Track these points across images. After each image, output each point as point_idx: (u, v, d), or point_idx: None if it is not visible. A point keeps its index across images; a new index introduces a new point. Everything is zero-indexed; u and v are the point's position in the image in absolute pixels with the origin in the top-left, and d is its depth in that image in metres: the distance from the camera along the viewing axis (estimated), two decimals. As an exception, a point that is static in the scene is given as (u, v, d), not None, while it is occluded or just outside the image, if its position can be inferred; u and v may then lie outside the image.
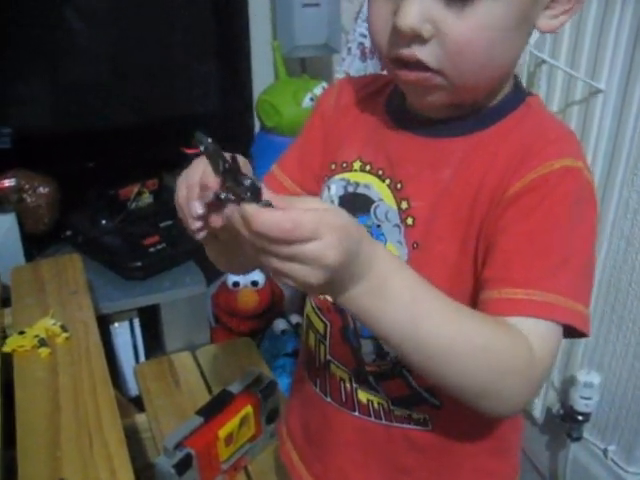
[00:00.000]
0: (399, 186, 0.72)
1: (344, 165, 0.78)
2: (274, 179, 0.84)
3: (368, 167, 0.75)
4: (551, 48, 1.37)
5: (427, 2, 0.60)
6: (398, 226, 0.71)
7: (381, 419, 0.78)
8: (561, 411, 1.56)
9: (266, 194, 0.52)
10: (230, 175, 0.52)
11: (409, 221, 0.71)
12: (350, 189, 0.76)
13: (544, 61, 1.37)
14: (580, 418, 1.49)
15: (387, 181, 0.73)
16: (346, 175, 0.77)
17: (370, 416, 0.79)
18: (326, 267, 0.52)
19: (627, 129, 1.28)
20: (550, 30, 0.67)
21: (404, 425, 0.77)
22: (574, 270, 0.63)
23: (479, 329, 0.60)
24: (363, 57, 1.69)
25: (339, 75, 1.76)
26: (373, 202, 0.74)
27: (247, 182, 0.51)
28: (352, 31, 1.73)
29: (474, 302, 0.67)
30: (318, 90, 1.78)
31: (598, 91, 1.30)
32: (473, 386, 0.61)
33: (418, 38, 0.61)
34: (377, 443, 0.80)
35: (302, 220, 0.51)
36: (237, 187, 0.52)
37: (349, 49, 1.73)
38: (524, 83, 1.40)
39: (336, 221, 0.53)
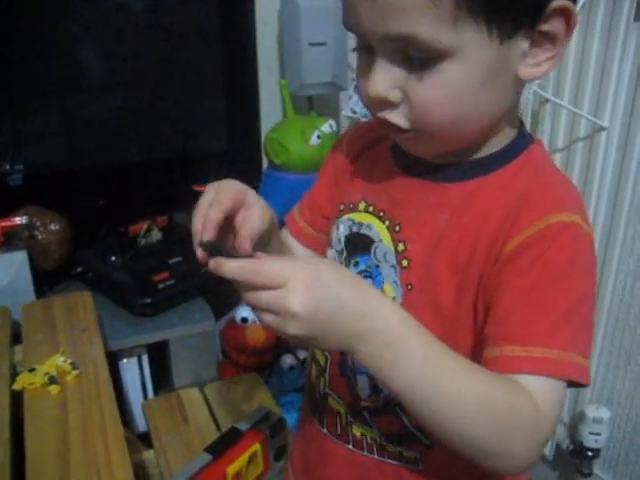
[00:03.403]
0: (397, 228, 0.74)
1: (351, 206, 0.80)
2: (292, 219, 0.90)
3: (371, 208, 0.77)
4: (555, 87, 1.39)
5: (393, 70, 0.63)
6: (394, 267, 0.73)
7: (374, 454, 0.79)
8: (571, 447, 1.55)
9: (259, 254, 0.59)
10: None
11: (404, 263, 0.72)
12: (355, 229, 0.78)
13: (548, 100, 1.39)
14: (590, 454, 1.49)
15: (387, 223, 0.75)
16: (352, 215, 0.79)
17: (363, 450, 0.80)
18: (294, 315, 0.55)
19: (631, 165, 1.30)
20: (534, 78, 0.65)
21: (395, 462, 0.78)
22: (573, 323, 0.64)
23: (485, 385, 0.61)
24: (369, 95, 1.71)
25: (346, 112, 1.78)
26: (373, 242, 0.76)
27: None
28: (358, 69, 1.75)
29: (467, 352, 0.68)
30: (325, 127, 1.80)
31: (602, 128, 1.32)
32: (480, 444, 0.61)
33: (388, 103, 0.65)
34: (370, 477, 0.81)
35: (264, 267, 0.56)
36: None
37: (356, 87, 1.75)
38: (528, 122, 1.42)
39: (305, 271, 0.56)
